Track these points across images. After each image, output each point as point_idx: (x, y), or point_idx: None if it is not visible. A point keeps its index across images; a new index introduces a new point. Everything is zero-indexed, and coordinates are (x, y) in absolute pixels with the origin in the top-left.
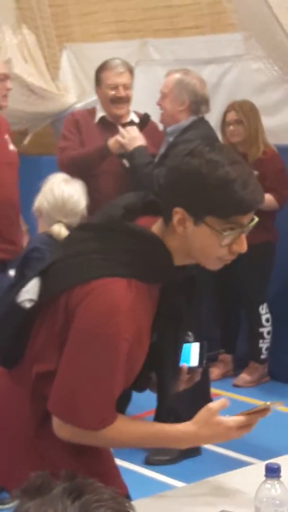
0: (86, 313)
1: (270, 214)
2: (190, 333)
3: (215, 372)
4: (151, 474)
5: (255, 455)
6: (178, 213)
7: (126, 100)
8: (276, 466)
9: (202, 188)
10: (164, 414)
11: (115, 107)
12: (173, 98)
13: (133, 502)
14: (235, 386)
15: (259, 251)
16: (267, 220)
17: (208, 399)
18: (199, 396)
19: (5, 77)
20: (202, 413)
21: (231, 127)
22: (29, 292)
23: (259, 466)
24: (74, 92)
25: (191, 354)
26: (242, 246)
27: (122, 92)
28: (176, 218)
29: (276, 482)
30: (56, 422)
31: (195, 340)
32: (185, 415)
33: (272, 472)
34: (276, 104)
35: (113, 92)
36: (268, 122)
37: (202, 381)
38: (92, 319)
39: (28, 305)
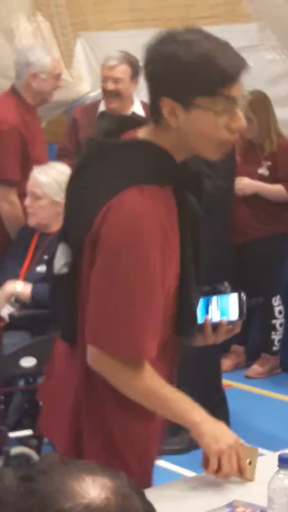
0: (110, 232)
1: (281, 205)
2: (226, 283)
3: (227, 363)
4: (162, 463)
5: (267, 446)
6: (166, 104)
7: (115, 94)
8: None
9: (182, 70)
10: (186, 329)
11: (106, 101)
12: None
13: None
14: (247, 377)
15: (271, 243)
16: (278, 211)
17: (220, 390)
18: (210, 387)
19: (60, 76)
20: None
21: None
22: (61, 258)
23: (271, 457)
24: (88, 80)
25: (230, 306)
26: (240, 121)
27: (110, 86)
28: (166, 110)
29: None
30: (91, 353)
31: (232, 291)
32: None
33: (285, 462)
34: None
35: (102, 85)
36: (282, 113)
37: (214, 372)
38: (117, 235)
39: (65, 270)
